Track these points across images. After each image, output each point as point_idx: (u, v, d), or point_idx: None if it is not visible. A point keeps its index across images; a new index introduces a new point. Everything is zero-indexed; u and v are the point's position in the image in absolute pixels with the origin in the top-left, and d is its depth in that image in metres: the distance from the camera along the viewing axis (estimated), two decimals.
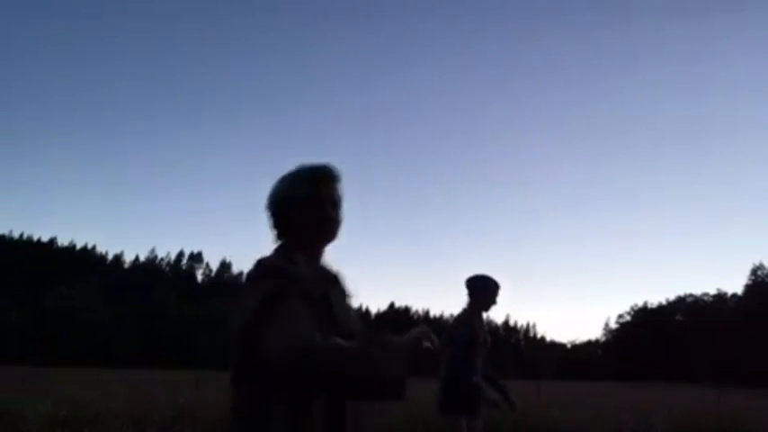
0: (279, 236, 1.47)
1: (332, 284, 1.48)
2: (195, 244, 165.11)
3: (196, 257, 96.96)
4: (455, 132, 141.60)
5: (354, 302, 1.56)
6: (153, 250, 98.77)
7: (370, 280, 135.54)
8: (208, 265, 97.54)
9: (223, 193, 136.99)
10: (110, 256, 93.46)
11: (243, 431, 1.31)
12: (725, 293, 77.85)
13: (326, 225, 1.45)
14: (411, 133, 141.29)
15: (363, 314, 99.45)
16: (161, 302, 74.10)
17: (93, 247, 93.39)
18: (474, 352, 3.85)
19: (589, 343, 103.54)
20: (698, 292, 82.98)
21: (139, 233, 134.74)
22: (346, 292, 1.56)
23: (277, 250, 1.43)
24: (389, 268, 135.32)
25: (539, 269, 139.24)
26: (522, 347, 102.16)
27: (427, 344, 1.33)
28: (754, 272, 72.27)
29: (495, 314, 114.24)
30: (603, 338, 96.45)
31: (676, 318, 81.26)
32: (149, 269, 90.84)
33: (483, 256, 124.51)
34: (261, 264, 1.36)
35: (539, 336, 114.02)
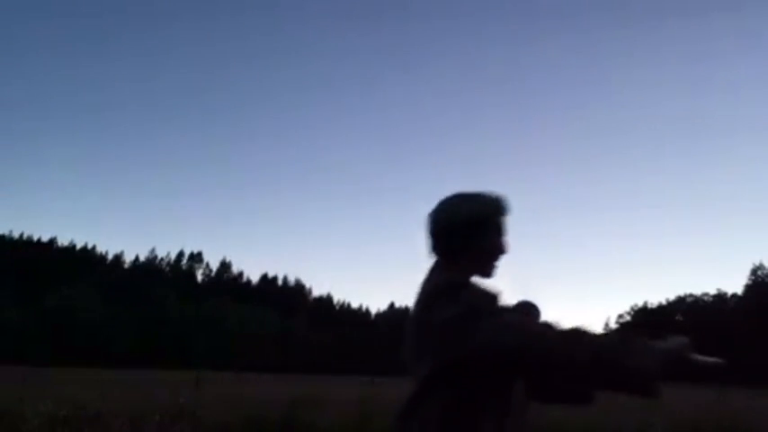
0: (448, 258, 1.44)
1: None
2: (195, 244, 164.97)
3: (196, 257, 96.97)
4: (455, 132, 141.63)
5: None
6: (153, 250, 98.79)
7: (370, 280, 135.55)
8: (208, 265, 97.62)
9: (223, 193, 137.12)
10: (110, 256, 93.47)
11: None
12: (725, 293, 77.83)
13: (498, 257, 1.46)
14: (411, 133, 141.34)
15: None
16: (161, 302, 74.07)
17: (93, 247, 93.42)
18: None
19: None
20: (698, 292, 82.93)
21: (139, 233, 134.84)
22: None
23: (451, 272, 1.40)
24: (389, 268, 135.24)
25: (539, 269, 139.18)
26: None
27: (695, 356, 1.30)
28: (754, 272, 72.31)
29: None
30: None
31: (676, 318, 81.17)
32: (149, 269, 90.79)
33: None
34: (453, 281, 1.35)
35: None
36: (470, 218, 1.42)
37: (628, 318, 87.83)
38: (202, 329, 70.52)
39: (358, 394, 9.65)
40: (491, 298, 1.32)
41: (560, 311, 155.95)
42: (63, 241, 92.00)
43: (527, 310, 3.92)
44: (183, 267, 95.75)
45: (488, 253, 1.45)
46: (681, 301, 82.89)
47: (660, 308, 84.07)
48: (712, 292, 79.68)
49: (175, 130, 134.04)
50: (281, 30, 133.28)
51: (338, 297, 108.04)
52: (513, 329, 1.23)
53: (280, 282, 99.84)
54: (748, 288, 71.94)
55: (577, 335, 1.23)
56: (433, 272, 1.44)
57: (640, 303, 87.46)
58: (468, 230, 1.42)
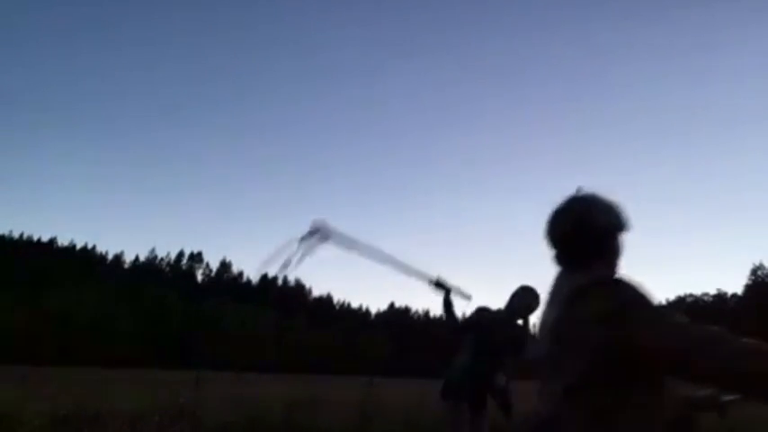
0: (582, 262, 1.44)
1: None
2: (195, 244, 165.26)
3: (196, 257, 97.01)
4: (455, 130, 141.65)
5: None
6: (153, 250, 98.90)
7: (370, 280, 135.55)
8: (208, 264, 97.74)
9: (223, 192, 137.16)
10: (110, 256, 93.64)
11: None
12: (725, 293, 77.96)
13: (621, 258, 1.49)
14: (411, 132, 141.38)
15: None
16: (161, 302, 74.07)
17: (93, 247, 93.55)
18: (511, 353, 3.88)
19: None
20: (698, 292, 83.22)
21: (139, 233, 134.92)
22: None
23: (594, 272, 1.40)
24: (389, 268, 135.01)
25: (539, 269, 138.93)
26: None
27: None
28: (754, 272, 72.41)
29: None
30: None
31: None
32: (149, 269, 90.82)
33: (483, 256, 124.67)
34: (603, 278, 1.35)
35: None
36: (620, 224, 1.50)
37: None
38: (202, 329, 70.50)
39: (357, 395, 9.65)
40: (647, 295, 1.28)
41: None
42: (63, 241, 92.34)
43: (531, 294, 4.02)
44: (183, 267, 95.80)
45: (619, 256, 1.50)
46: (681, 301, 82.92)
47: None
48: (712, 292, 79.88)
49: (175, 129, 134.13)
50: (282, 24, 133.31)
51: (338, 297, 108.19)
52: (683, 329, 1.18)
53: (280, 282, 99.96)
54: (748, 288, 71.97)
55: (755, 344, 1.15)
56: (569, 276, 1.43)
57: None
58: (615, 235, 1.49)
